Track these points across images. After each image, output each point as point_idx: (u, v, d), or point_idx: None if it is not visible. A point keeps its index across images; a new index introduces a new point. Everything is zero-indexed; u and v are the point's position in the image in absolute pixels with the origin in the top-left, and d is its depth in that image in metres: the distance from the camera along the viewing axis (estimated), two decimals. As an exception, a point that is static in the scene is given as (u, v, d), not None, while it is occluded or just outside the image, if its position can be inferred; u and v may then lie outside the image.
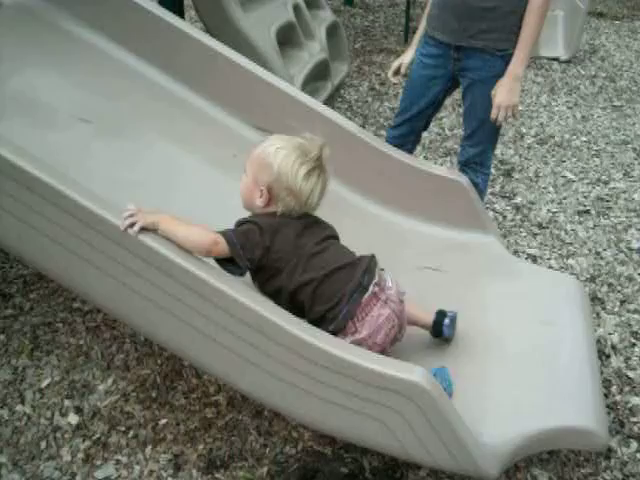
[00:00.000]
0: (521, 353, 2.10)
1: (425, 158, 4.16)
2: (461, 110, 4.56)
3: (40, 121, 2.52)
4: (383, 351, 1.88)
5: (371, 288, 1.86)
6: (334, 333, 1.82)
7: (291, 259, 1.85)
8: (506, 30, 2.63)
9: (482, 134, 2.84)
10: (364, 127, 4.43)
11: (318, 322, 1.85)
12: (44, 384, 2.38)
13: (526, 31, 2.58)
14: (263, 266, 1.87)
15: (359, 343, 1.82)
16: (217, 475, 2.07)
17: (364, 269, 1.88)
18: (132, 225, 1.76)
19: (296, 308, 1.86)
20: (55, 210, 1.84)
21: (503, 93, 2.64)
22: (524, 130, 4.75)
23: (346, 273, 1.87)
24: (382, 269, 1.96)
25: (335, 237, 2.02)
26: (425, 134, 3.13)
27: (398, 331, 1.92)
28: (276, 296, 1.89)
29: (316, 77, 4.50)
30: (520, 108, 4.82)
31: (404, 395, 1.62)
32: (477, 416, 1.82)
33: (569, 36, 6.28)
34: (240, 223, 1.87)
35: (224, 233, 1.79)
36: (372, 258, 1.94)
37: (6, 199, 1.90)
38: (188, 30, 2.80)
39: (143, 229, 1.76)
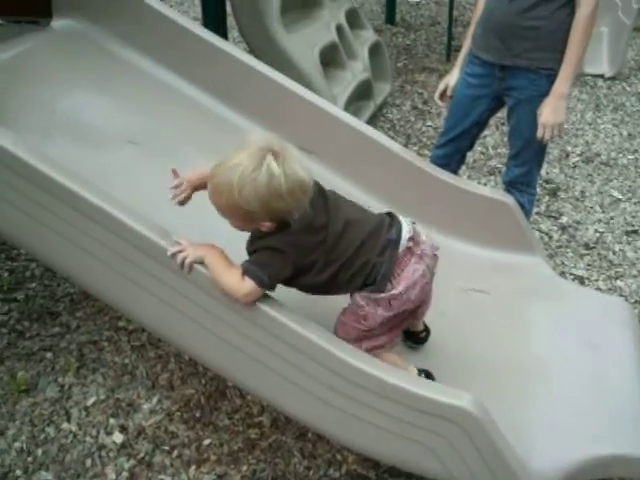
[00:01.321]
0: (569, 377, 2.07)
1: (469, 177, 4.13)
2: (505, 128, 4.53)
3: (87, 142, 2.56)
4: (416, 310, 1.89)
5: (405, 243, 1.80)
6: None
7: (317, 260, 1.75)
8: (551, 48, 2.60)
9: (528, 154, 2.81)
10: (407, 146, 4.41)
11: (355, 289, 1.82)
12: (90, 402, 2.40)
13: (571, 49, 2.55)
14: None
15: (394, 299, 1.79)
16: (260, 497, 2.07)
17: (387, 227, 1.81)
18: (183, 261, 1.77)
19: (329, 287, 1.82)
20: (103, 231, 1.86)
21: (548, 112, 2.61)
22: (569, 148, 4.69)
23: (372, 240, 1.79)
24: (414, 222, 1.89)
25: (341, 201, 1.84)
26: (469, 153, 3.12)
27: (429, 289, 1.89)
28: (306, 289, 1.85)
29: (359, 97, 4.52)
30: (565, 126, 4.76)
31: (451, 420, 1.60)
32: (525, 442, 1.78)
33: (614, 52, 6.19)
34: (257, 249, 1.73)
35: (253, 276, 1.68)
36: (390, 213, 1.88)
37: (54, 220, 1.92)
38: (234, 52, 2.82)
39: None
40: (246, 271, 1.69)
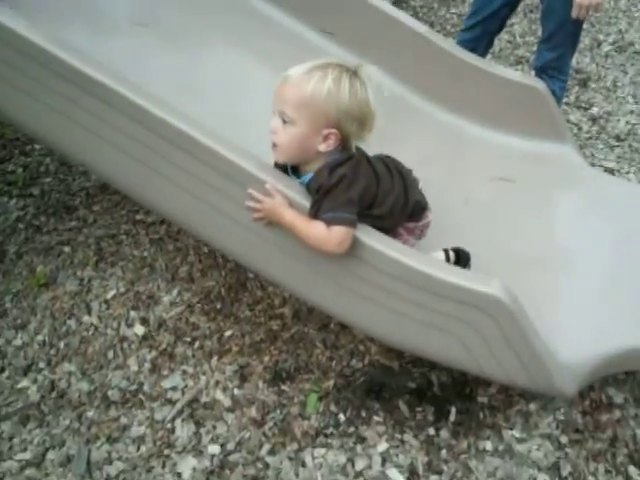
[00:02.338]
0: (599, 269, 2.02)
1: (495, 67, 3.96)
2: (533, 16, 4.33)
3: (100, 27, 2.48)
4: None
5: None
6: None
7: (377, 192, 1.70)
8: None
9: (561, 37, 2.66)
10: (430, 35, 4.22)
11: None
12: (110, 295, 2.39)
13: None
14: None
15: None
16: (283, 387, 2.06)
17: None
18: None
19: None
20: (130, 123, 1.78)
21: (585, -9, 2.44)
22: (601, 37, 4.47)
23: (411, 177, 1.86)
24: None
25: None
26: (495, 41, 2.96)
27: None
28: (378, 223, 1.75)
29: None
30: (598, 14, 4.52)
31: (481, 309, 1.55)
32: (554, 333, 1.73)
33: None
34: (328, 190, 1.59)
35: (340, 220, 1.58)
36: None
37: (80, 113, 1.85)
38: None
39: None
40: (331, 220, 1.58)
